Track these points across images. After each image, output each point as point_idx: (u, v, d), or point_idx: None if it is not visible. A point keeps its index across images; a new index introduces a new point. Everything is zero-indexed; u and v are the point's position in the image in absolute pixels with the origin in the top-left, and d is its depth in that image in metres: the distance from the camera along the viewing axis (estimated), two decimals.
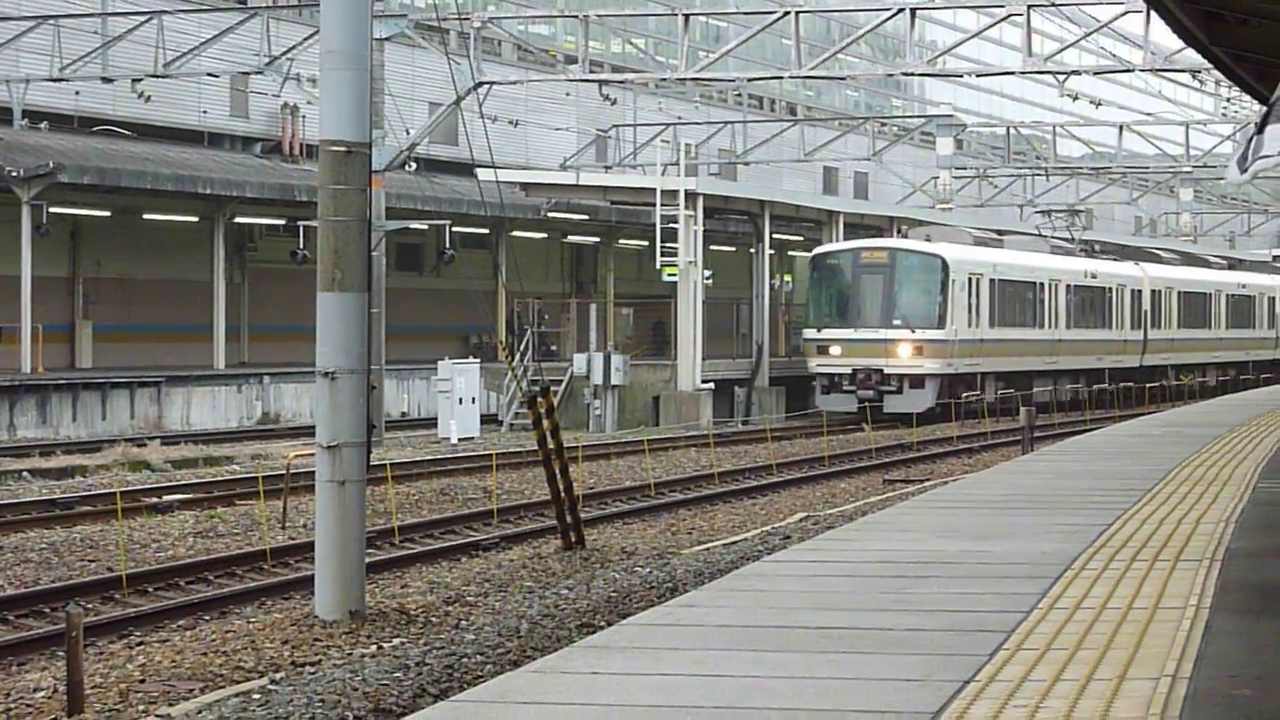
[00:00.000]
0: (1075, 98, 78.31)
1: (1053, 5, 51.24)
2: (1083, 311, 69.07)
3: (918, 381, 56.05)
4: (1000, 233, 74.84)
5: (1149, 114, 76.95)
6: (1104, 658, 10.99)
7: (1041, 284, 63.69)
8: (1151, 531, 17.69)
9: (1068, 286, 66.74)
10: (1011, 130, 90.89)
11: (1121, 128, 78.48)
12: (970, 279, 57.46)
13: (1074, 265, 68.54)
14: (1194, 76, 58.69)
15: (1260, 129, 13.43)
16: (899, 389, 57.08)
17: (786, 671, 10.78)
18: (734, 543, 27.36)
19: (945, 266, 57.42)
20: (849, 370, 58.42)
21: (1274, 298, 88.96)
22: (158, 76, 49.21)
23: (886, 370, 59.64)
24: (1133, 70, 60.63)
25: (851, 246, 63.98)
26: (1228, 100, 73.32)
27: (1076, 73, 59.21)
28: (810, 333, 59.13)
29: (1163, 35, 44.07)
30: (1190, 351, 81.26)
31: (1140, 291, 74.30)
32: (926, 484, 31.87)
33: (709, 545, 27.42)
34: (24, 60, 50.06)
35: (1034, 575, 14.50)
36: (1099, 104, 78.88)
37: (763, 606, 13.47)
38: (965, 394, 57.86)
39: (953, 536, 17.91)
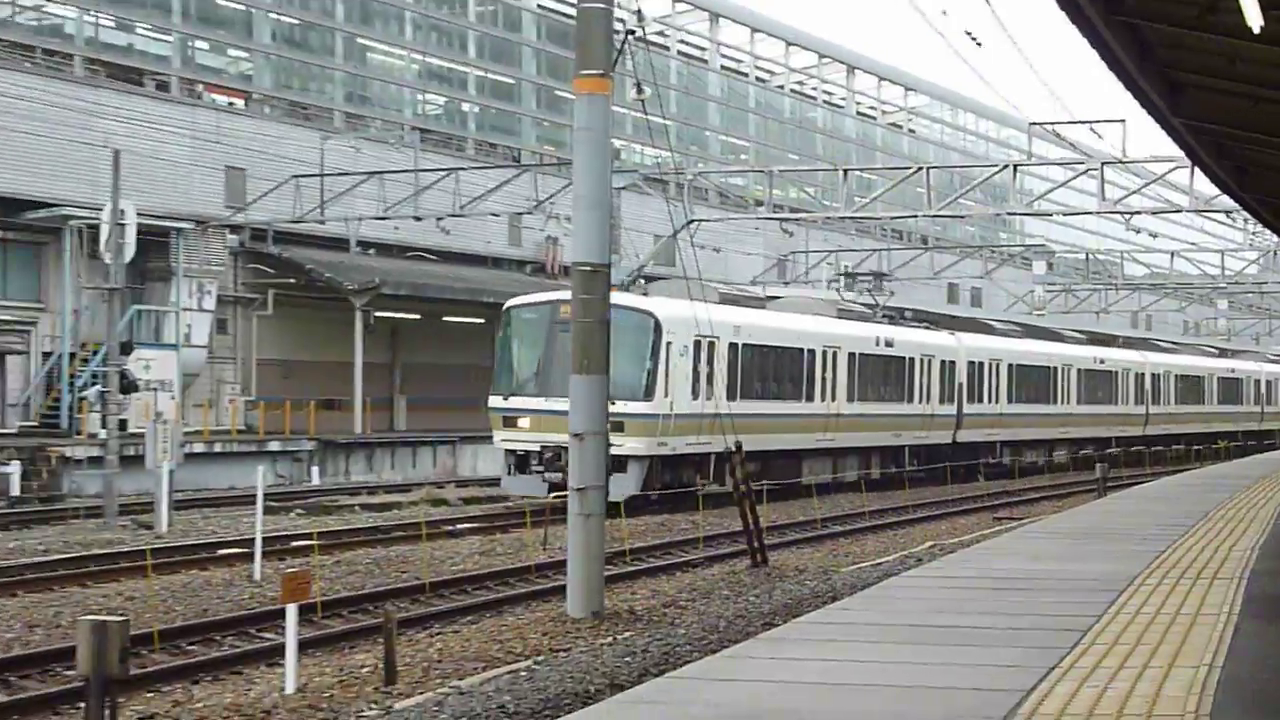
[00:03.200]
0: (1138, 231, 77.49)
1: (1120, 163, 50.73)
2: (874, 382, 46.78)
3: (619, 464, 33.77)
4: (770, 297, 51.64)
5: (1193, 243, 75.82)
6: (1157, 651, 10.90)
7: (812, 350, 42.73)
8: (1195, 557, 17.50)
9: (852, 355, 45.17)
10: (1090, 255, 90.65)
11: (1173, 254, 77.66)
12: (699, 343, 36.76)
13: (862, 331, 46.95)
14: (1228, 215, 56.12)
15: None
16: None
17: (916, 659, 10.77)
18: (879, 563, 27.16)
19: (657, 326, 36.37)
20: (538, 447, 37.37)
21: (1125, 372, 68.37)
22: (454, 215, 49.54)
23: None
24: (1181, 210, 59.87)
25: (549, 299, 40.63)
26: (1254, 233, 68.00)
27: (1138, 213, 58.04)
28: (496, 400, 38.53)
29: (1204, 184, 43.55)
30: (1024, 427, 58.19)
31: (954, 363, 51.63)
32: (1024, 521, 31.45)
33: (860, 565, 27.23)
34: (358, 204, 50.59)
35: (1104, 589, 14.37)
36: (1156, 235, 78.31)
37: (899, 610, 13.44)
38: (699, 479, 37.35)
39: (1042, 559, 17.77)
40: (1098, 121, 52.08)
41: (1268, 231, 53.52)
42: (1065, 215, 63.80)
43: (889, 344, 47.92)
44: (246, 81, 57.74)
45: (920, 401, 50.79)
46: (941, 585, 15.61)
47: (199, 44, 56.18)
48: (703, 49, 78.76)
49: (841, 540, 33.77)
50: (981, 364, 53.82)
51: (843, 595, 18.77)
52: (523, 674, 16.50)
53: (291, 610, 16.80)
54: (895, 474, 49.16)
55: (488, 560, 27.92)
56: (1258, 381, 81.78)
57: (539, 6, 67.72)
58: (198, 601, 22.14)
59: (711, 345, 35.91)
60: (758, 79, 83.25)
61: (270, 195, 50.64)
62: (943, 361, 51.32)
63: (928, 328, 56.05)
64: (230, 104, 56.25)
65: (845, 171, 61.33)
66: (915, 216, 63.11)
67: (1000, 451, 57.56)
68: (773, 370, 41.73)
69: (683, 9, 74.70)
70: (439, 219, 49.85)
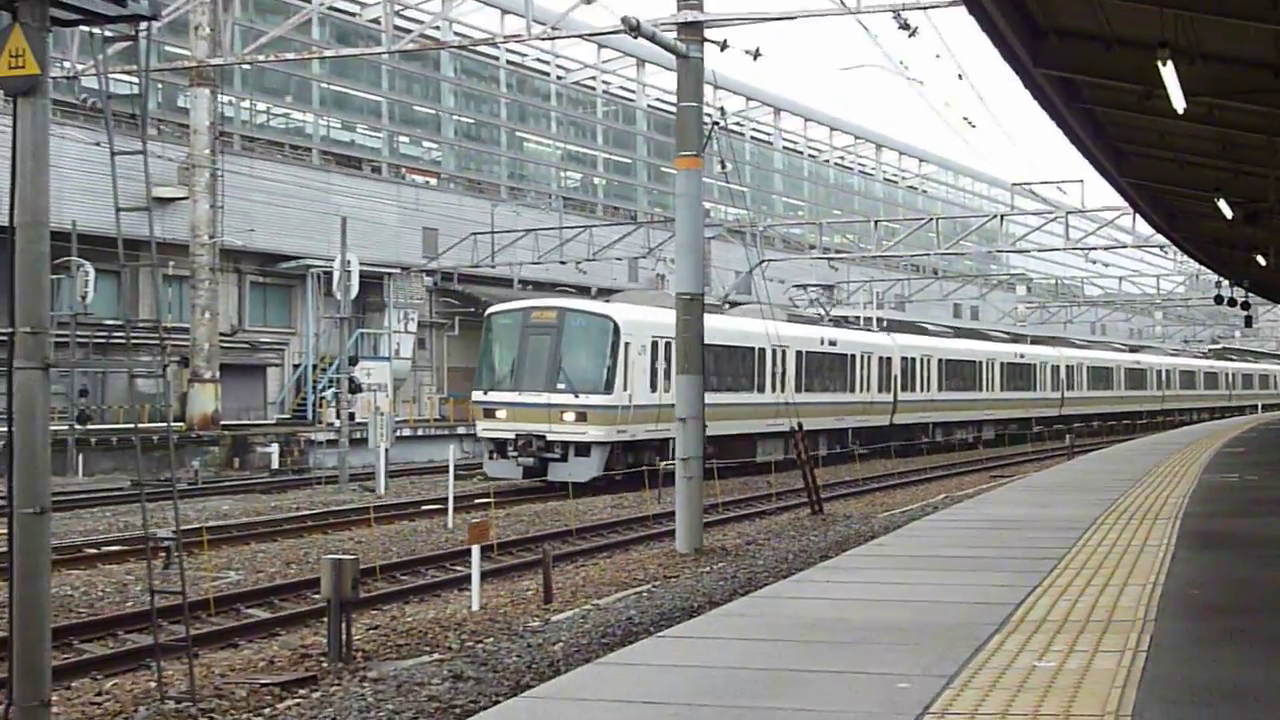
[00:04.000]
0: (1094, 261, 77.19)
1: (1080, 212, 50.31)
2: (820, 375, 43.03)
3: (583, 449, 33.07)
4: (733, 304, 47.49)
5: (1136, 270, 74.59)
6: (1115, 572, 10.82)
7: (763, 349, 38.73)
8: (1140, 501, 17.31)
9: (800, 352, 41.51)
10: (1058, 281, 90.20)
11: (1120, 279, 76.70)
12: (656, 343, 33.87)
13: (809, 332, 43.07)
14: (1161, 249, 55.27)
15: None
16: (563, 456, 33.61)
17: (935, 580, 10.72)
18: (906, 510, 27.01)
19: (616, 329, 33.65)
20: (513, 435, 34.21)
21: (1043, 364, 62.50)
22: (588, 260, 49.66)
23: (550, 436, 35.35)
24: (1126, 246, 59.32)
25: (523, 306, 38.32)
26: (1180, 262, 65.59)
27: (1094, 248, 57.50)
28: (478, 395, 35.68)
29: (1143, 226, 43.16)
30: (953, 410, 53.18)
31: (890, 358, 47.98)
32: (1014, 478, 31.20)
33: (891, 511, 27.09)
34: (518, 252, 50.77)
35: (1073, 527, 14.23)
36: (1107, 265, 77.79)
37: (922, 545, 13.38)
38: (660, 460, 32.77)
39: (1027, 506, 17.63)
40: (1063, 181, 51.76)
41: (1191, 261, 52.95)
42: (1039, 252, 63.03)
43: (833, 343, 43.75)
44: (437, 165, 58.07)
45: (861, 391, 46.42)
46: (953, 526, 15.52)
47: (401, 138, 56.54)
48: (768, 134, 78.55)
49: (878, 494, 33.62)
50: (914, 359, 49.36)
51: (880, 534, 18.68)
52: (644, 594, 16.55)
53: (475, 549, 16.88)
54: (844, 451, 44.40)
55: (617, 512, 27.97)
56: (1159, 371, 78.29)
57: (649, 106, 67.72)
58: (407, 544, 22.33)
59: (669, 345, 30.25)
60: (809, 155, 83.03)
61: (455, 248, 50.97)
62: (880, 357, 47.12)
63: (866, 330, 52.12)
64: (425, 182, 56.59)
65: (875, 222, 61.39)
66: (927, 255, 62.84)
67: (933, 431, 52.48)
68: (727, 366, 37.52)
69: (754, 105, 74.53)
70: (577, 263, 49.97)
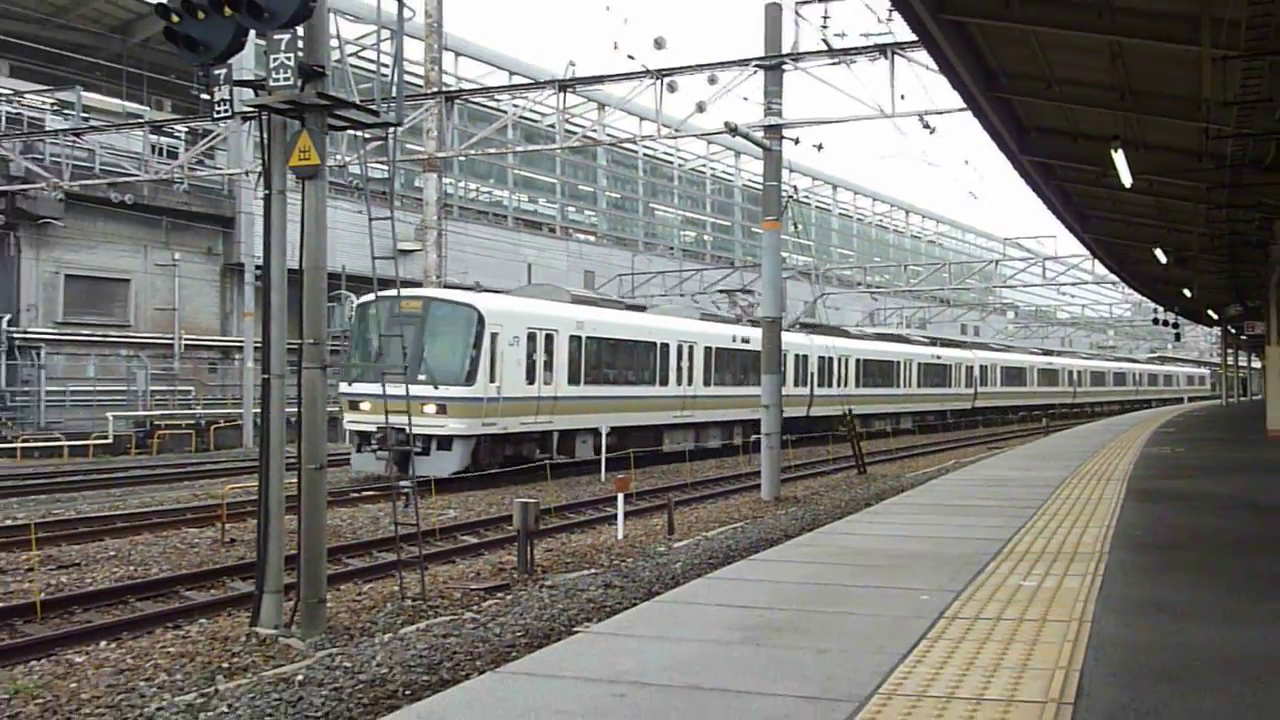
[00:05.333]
0: (1063, 294, 76.19)
1: (1054, 258, 49.57)
2: (732, 369, 33.22)
3: (444, 443, 23.79)
4: (631, 307, 33.83)
5: (1094, 299, 72.88)
6: (1079, 518, 10.61)
7: (665, 343, 30.30)
8: (1098, 467, 16.96)
9: (708, 348, 32.35)
10: (1037, 309, 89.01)
11: (1083, 306, 75.63)
12: (535, 334, 25.73)
13: (718, 329, 33.90)
14: (1113, 284, 53.68)
15: None
16: (425, 450, 23.64)
17: (948, 521, 10.56)
18: (925, 472, 26.65)
19: (480, 319, 24.28)
20: (375, 429, 23.77)
21: (959, 365, 52.39)
22: (699, 293, 49.63)
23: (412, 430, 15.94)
24: (1087, 282, 57.78)
25: (390, 295, 21.13)
26: (1128, 293, 62.72)
27: (1064, 284, 56.56)
28: (344, 386, 25.73)
29: (1100, 269, 42.13)
30: (872, 403, 43.04)
31: (807, 356, 38.12)
32: (1004, 450, 30.67)
33: (915, 473, 26.73)
34: (651, 288, 50.70)
35: (1048, 485, 13.98)
36: (1073, 296, 76.65)
37: (937, 497, 13.19)
38: (540, 453, 25.81)
39: (1013, 469, 17.31)
40: (1041, 236, 51.48)
41: (1135, 293, 51.84)
42: (1024, 287, 61.99)
43: (745, 340, 33.25)
44: (594, 226, 58.31)
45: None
46: (959, 483, 15.30)
47: (569, 208, 56.87)
48: (828, 204, 77.89)
49: (906, 460, 33.16)
50: (831, 358, 40.13)
51: (907, 489, 18.44)
52: (738, 529, 16.51)
53: (620, 496, 16.96)
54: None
55: (719, 471, 27.89)
56: (1071, 371, 69.97)
57: (743, 185, 67.48)
58: (572, 493, 22.45)
59: (550, 337, 24.94)
60: (857, 218, 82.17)
61: (606, 285, 51.17)
62: (797, 355, 37.50)
63: (790, 332, 37.98)
64: (586, 238, 56.83)
65: (904, 266, 60.60)
66: (941, 289, 61.95)
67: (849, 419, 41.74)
68: (624, 359, 28.58)
69: (818, 183, 73.93)
70: (693, 295, 49.90)
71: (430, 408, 22.29)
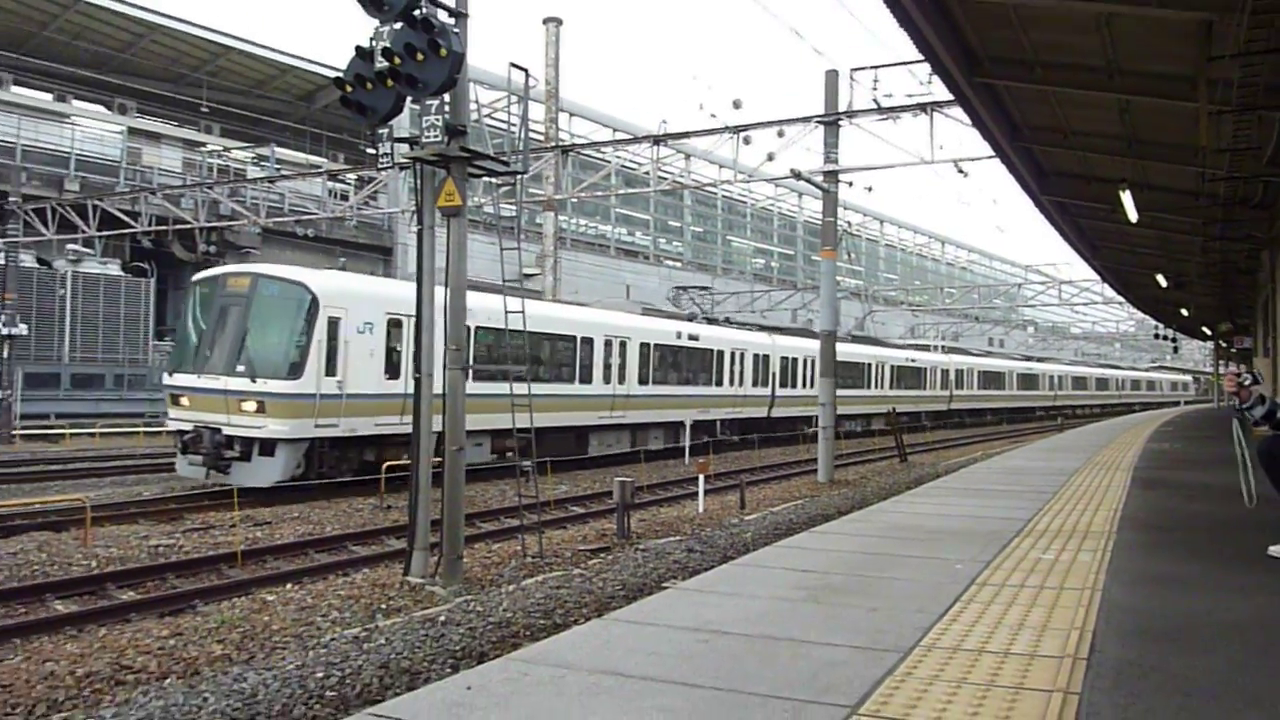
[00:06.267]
0: (1076, 311, 74.28)
1: (1069, 282, 48.29)
2: (675, 368, 26.01)
3: (267, 447, 14.60)
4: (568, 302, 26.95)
5: (1104, 317, 70.99)
6: (1091, 502, 10.29)
7: (589, 338, 22.47)
8: (1107, 459, 16.44)
9: (645, 344, 24.51)
10: (1054, 324, 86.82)
11: (1093, 323, 73.53)
12: (396, 321, 16.40)
13: (659, 325, 25.90)
14: (1120, 303, 51.80)
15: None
16: (245, 454, 14.74)
17: (977, 502, 10.30)
18: (957, 461, 26.11)
19: (313, 301, 14.97)
20: (191, 428, 14.92)
21: (934, 368, 45.10)
22: (768, 310, 49.19)
23: (227, 430, 14.91)
24: (1097, 302, 56.24)
25: (223, 271, 16.62)
26: (1131, 311, 60.23)
27: (1077, 304, 55.41)
28: (165, 377, 15.73)
29: (1109, 290, 40.88)
30: (840, 405, 24.02)
31: (768, 356, 31.03)
32: (1026, 444, 29.92)
33: (949, 462, 26.20)
34: (728, 306, 50.40)
35: (1064, 474, 13.58)
36: (1085, 313, 74.65)
37: (968, 482, 12.89)
38: (403, 457, 15.32)
39: (1033, 460, 16.85)
40: (1058, 263, 50.19)
41: (1139, 312, 50.25)
42: (1042, 306, 60.47)
43: (693, 338, 26.50)
44: (680, 255, 58.24)
45: (732, 384, 28.85)
46: (986, 471, 14.93)
47: (661, 239, 56.86)
48: (876, 236, 76.75)
49: (941, 452, 32.52)
50: (796, 359, 32.59)
51: (943, 475, 18.10)
52: (799, 506, 16.30)
53: (701, 477, 16.89)
54: (714, 440, 28.25)
55: (783, 457, 27.58)
56: (1051, 376, 62.09)
57: (805, 220, 66.84)
58: (662, 474, 22.40)
59: (418, 324, 12.57)
60: (900, 248, 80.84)
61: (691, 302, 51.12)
62: (756, 355, 30.13)
63: (751, 330, 32.94)
64: (674, 265, 56.76)
65: (941, 288, 59.41)
66: (972, 308, 60.71)
67: (817, 423, 30.60)
68: (548, 356, 21.57)
69: (867, 218, 72.87)
70: (763, 311, 49.53)
71: (250, 405, 15.65)
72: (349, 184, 38.94)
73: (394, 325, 17.28)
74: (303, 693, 6.35)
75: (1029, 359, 64.67)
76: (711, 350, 27.94)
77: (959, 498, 10.89)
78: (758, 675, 4.31)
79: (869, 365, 39.45)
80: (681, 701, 3.98)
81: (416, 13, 9.53)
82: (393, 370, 17.11)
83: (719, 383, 28.54)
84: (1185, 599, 5.84)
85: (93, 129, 36.23)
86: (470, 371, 11.38)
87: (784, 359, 32.35)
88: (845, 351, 35.40)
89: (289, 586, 10.68)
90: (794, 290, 53.62)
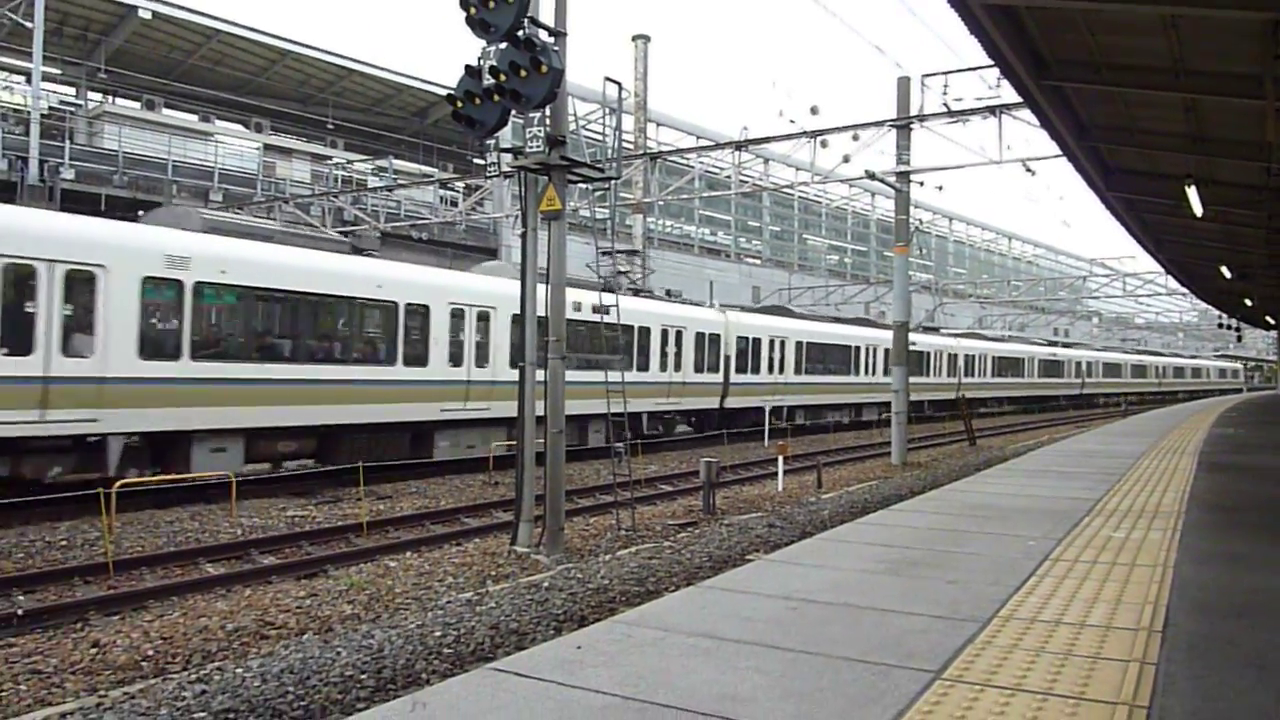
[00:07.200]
0: (1140, 303, 71.33)
1: (1133, 274, 46.58)
2: (580, 350, 16.25)
3: None
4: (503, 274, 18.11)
5: (1166, 308, 68.17)
6: (1158, 484, 9.91)
7: (414, 307, 14.41)
8: (1171, 444, 15.82)
9: (517, 316, 10.95)
10: (1118, 315, 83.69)
11: (1157, 314, 70.71)
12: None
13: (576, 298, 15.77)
14: (1183, 295, 49.00)
15: None
16: None
17: (1046, 484, 10.02)
18: (1025, 444, 25.38)
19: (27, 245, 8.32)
20: None
21: (939, 352, 37.96)
22: (842, 304, 48.47)
23: None
24: (1159, 294, 54.00)
25: None
26: (1195, 302, 56.25)
27: (1142, 295, 53.64)
28: None
29: (1172, 282, 39.22)
30: (821, 393, 28.56)
31: (719, 335, 23.46)
32: (1091, 429, 28.95)
33: (1016, 445, 25.51)
34: (804, 299, 49.87)
35: (1130, 458, 13.11)
36: (1148, 305, 71.76)
37: (1036, 464, 12.54)
38: (59, 470, 9.67)
39: (1100, 444, 16.31)
40: (1122, 257, 48.25)
41: (1202, 302, 48.25)
42: (1107, 298, 58.37)
43: (605, 311, 15.67)
44: (760, 253, 57.78)
45: (663, 370, 21.89)
46: (1054, 455, 14.50)
47: (741, 238, 56.48)
48: (945, 232, 74.99)
49: (1009, 435, 31.64)
50: (758, 339, 25.63)
51: (1010, 459, 17.62)
52: (874, 486, 16.01)
53: (780, 458, 16.75)
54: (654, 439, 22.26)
55: (857, 441, 27.18)
56: (1078, 363, 53.43)
57: (878, 219, 65.66)
58: (744, 455, 22.27)
59: (91, 278, 10.77)
60: (969, 243, 78.81)
61: (769, 298, 50.62)
62: (698, 334, 23.02)
63: (694, 305, 25.65)
64: (754, 262, 56.35)
65: (1008, 281, 57.82)
66: (1040, 298, 58.94)
67: (790, 414, 27.54)
68: (307, 325, 13.97)
69: (938, 216, 71.25)
70: (837, 304, 48.79)
71: None
72: (458, 191, 39.66)
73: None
74: (423, 649, 6.50)
75: (1053, 344, 55.79)
76: (633, 327, 20.72)
77: (1028, 479, 10.60)
78: (845, 640, 4.27)
79: (855, 349, 31.12)
80: (775, 663, 3.97)
81: (520, 33, 9.63)
82: (21, 345, 11.03)
83: (644, 367, 21.52)
84: (1256, 576, 5.60)
85: (233, 145, 37.62)
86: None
87: (741, 338, 25.21)
88: (823, 333, 29.60)
89: (408, 554, 10.93)
90: (866, 284, 52.72)
